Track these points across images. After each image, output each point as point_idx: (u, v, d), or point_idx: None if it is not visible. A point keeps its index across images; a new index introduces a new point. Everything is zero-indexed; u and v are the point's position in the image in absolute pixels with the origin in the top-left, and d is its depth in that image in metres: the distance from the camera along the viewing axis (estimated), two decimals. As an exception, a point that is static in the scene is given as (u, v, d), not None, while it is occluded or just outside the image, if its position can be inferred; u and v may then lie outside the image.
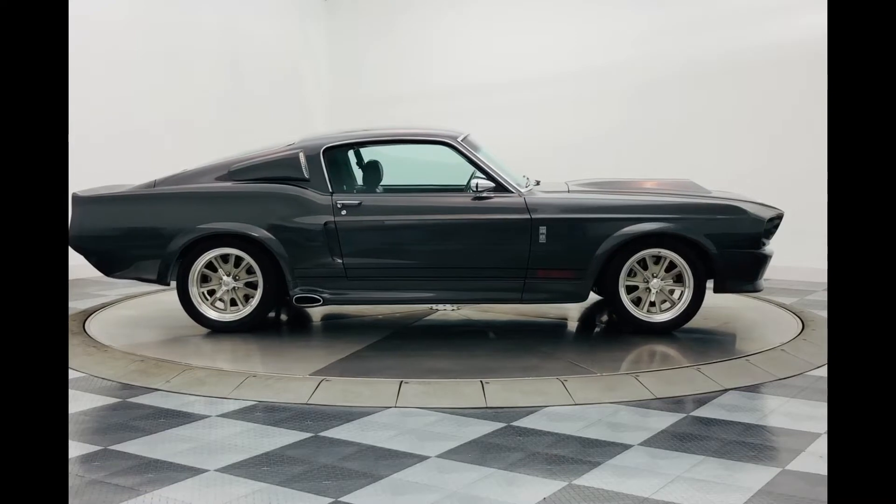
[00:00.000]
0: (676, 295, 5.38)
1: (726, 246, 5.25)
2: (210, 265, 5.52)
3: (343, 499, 2.98)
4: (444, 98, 10.17)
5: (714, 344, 5.27)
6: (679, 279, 5.34)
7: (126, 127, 8.94)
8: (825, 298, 6.93)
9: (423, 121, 8.44)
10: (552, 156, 9.07)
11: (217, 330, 5.52)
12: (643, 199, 5.45)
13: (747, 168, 8.41)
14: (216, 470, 3.26)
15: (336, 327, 5.98)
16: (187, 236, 5.41)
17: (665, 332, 5.37)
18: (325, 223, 5.36)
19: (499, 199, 5.30)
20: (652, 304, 5.37)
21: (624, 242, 5.23)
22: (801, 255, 8.05)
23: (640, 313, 5.37)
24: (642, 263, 5.34)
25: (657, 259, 5.34)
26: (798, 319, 5.92)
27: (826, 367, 4.71)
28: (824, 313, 6.23)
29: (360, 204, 5.40)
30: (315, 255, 5.38)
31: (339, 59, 11.23)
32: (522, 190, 5.39)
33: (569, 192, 5.66)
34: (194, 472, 3.24)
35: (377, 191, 6.00)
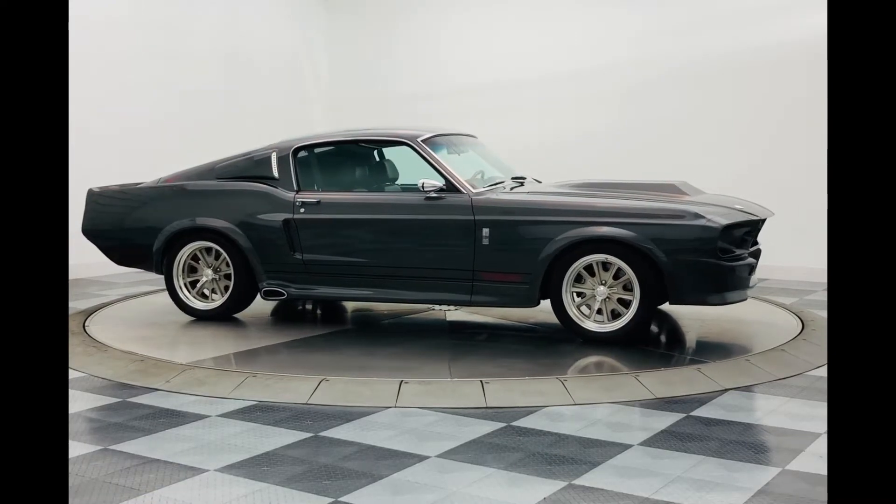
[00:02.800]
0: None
1: (677, 253, 4.82)
2: (197, 257, 5.97)
3: (343, 499, 2.98)
4: (444, 97, 10.17)
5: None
6: (630, 287, 4.97)
7: (126, 125, 8.95)
8: (825, 298, 6.93)
9: (422, 120, 8.45)
10: (553, 156, 9.07)
11: (197, 317, 5.98)
12: (590, 201, 5.13)
13: (748, 168, 8.42)
14: (216, 470, 3.26)
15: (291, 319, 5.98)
16: (170, 230, 5.92)
17: (610, 343, 5.00)
18: (285, 220, 5.62)
19: (448, 200, 5.27)
20: (599, 312, 5.04)
21: (567, 247, 4.98)
22: (801, 255, 8.06)
23: (584, 322, 5.06)
24: (594, 269, 5.03)
25: (608, 265, 5.00)
26: (798, 319, 5.92)
27: (826, 367, 4.71)
28: (824, 313, 6.23)
29: (318, 202, 5.59)
30: (278, 251, 5.66)
31: (339, 59, 11.23)
32: (474, 191, 5.29)
33: (524, 193, 5.43)
34: (194, 472, 3.24)
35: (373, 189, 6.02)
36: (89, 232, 6.27)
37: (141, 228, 6.04)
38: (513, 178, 5.83)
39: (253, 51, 10.35)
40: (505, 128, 9.22)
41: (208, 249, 5.92)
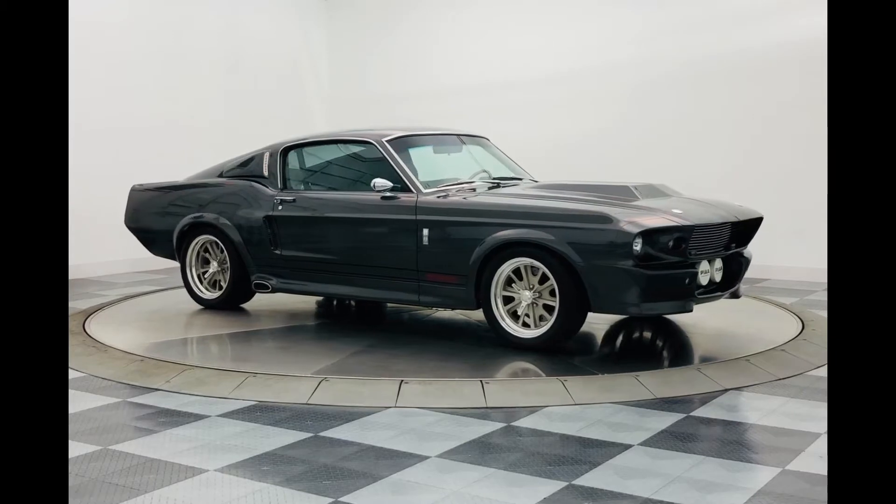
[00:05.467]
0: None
1: (593, 258, 4.61)
2: (209, 250, 6.42)
3: (343, 499, 2.98)
4: (444, 97, 10.18)
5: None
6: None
7: (127, 126, 8.96)
8: (825, 298, 6.93)
9: (421, 120, 8.45)
10: (554, 156, 9.06)
11: (204, 306, 6.43)
12: (515, 203, 5.00)
13: (749, 168, 8.42)
14: (216, 470, 3.26)
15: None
16: (179, 225, 6.41)
17: (535, 350, 4.87)
18: (265, 216, 5.94)
19: (398, 200, 5.32)
20: (528, 316, 4.92)
21: (492, 249, 4.90)
22: (801, 255, 8.06)
23: (508, 326, 4.96)
24: (527, 272, 4.89)
25: (536, 269, 4.84)
26: (798, 319, 5.92)
27: (826, 367, 4.71)
28: (824, 313, 6.23)
29: (294, 200, 5.86)
30: (262, 246, 5.98)
31: (339, 59, 11.23)
32: (424, 191, 5.29)
33: (470, 194, 5.31)
34: (194, 472, 3.24)
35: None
36: (130, 226, 6.91)
37: (166, 222, 6.56)
38: (495, 178, 5.77)
39: (253, 52, 10.35)
40: (505, 128, 9.21)
41: (216, 243, 6.30)
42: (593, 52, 9.27)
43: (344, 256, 5.61)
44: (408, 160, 5.53)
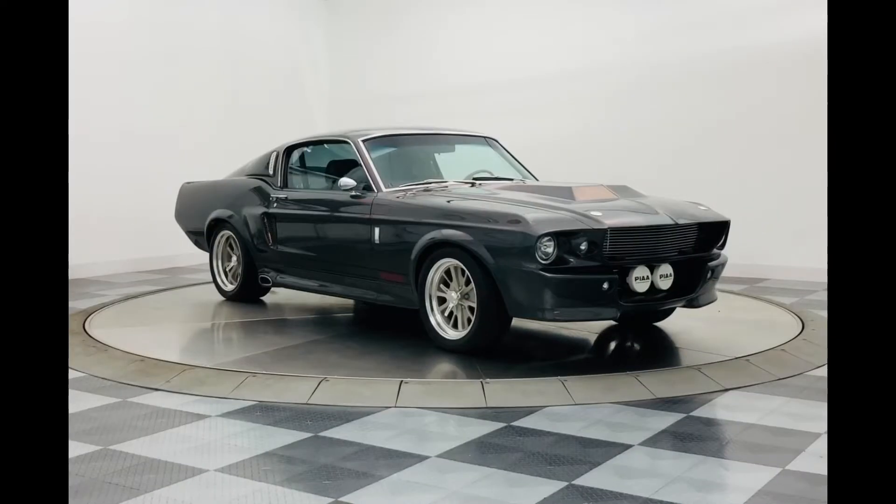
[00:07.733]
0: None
1: (502, 259, 4.50)
2: (231, 245, 6.76)
3: (343, 499, 2.98)
4: (444, 97, 10.18)
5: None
6: None
7: (126, 126, 8.96)
8: (825, 298, 6.93)
9: (419, 120, 8.45)
10: (552, 155, 9.06)
11: (225, 298, 6.83)
12: (444, 204, 4.97)
13: (747, 167, 8.42)
14: (216, 470, 3.26)
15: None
16: (207, 220, 6.80)
17: (460, 352, 4.82)
18: (263, 213, 6.23)
19: (361, 200, 5.40)
20: (457, 318, 4.88)
21: (424, 249, 4.89)
22: (801, 255, 8.06)
23: (441, 327, 4.93)
24: (456, 274, 4.86)
25: (465, 271, 4.76)
26: (798, 319, 5.92)
27: (826, 367, 4.71)
28: (824, 313, 6.22)
29: (286, 198, 6.12)
30: (263, 242, 6.27)
31: (340, 59, 11.23)
32: (384, 190, 5.34)
33: (424, 194, 5.26)
34: (194, 472, 3.24)
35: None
36: (178, 222, 7.37)
37: (199, 218, 6.93)
38: (476, 178, 5.74)
39: (253, 52, 10.36)
40: (506, 128, 9.21)
41: (234, 238, 6.67)
42: (594, 52, 9.27)
43: (320, 253, 5.82)
44: (382, 160, 5.59)
